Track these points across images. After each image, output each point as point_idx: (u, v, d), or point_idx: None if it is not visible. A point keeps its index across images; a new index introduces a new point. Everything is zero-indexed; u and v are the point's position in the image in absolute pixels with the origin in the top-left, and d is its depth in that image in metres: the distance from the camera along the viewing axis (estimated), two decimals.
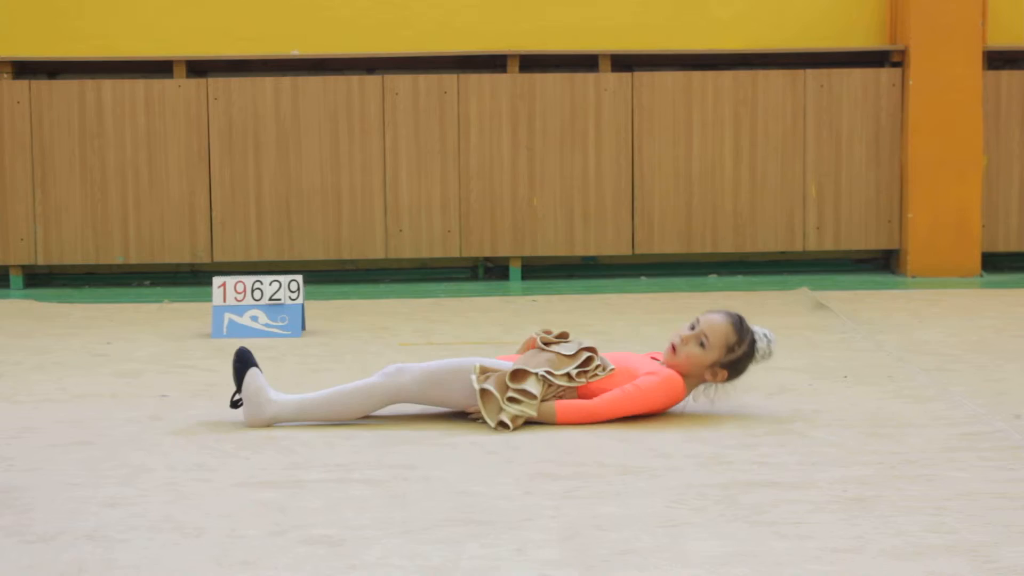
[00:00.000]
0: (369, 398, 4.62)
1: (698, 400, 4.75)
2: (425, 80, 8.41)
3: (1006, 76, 8.53)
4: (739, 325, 4.69)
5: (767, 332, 4.77)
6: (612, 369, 4.63)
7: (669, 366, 4.69)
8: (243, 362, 4.58)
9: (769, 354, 4.74)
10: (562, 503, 3.67)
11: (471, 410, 4.59)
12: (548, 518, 3.53)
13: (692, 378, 4.71)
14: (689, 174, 8.49)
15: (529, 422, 4.54)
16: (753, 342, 4.71)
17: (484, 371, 4.55)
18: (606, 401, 4.59)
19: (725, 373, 4.69)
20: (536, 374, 4.54)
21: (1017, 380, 5.27)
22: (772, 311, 7.12)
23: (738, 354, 4.67)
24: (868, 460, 4.08)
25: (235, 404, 4.62)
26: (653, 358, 4.77)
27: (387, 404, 4.63)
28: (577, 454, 4.19)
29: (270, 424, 4.59)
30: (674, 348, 4.68)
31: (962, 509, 3.55)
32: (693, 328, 4.66)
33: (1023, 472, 3.94)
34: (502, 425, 4.49)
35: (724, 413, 4.76)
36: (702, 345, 4.65)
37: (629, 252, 8.53)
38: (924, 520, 3.45)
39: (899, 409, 4.79)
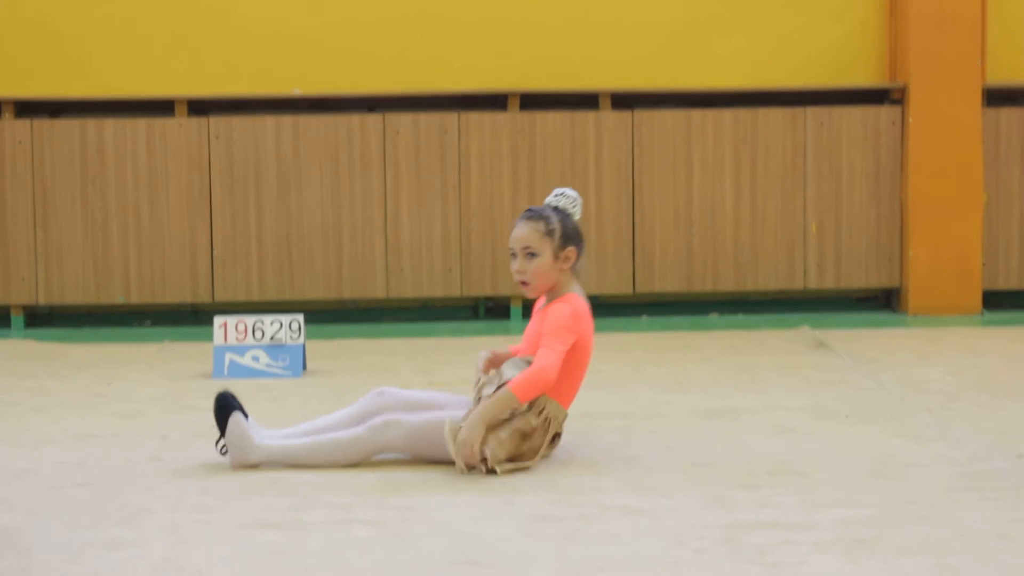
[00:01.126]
0: (356, 451, 4.61)
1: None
2: (426, 119, 8.44)
3: (1005, 113, 8.56)
4: (535, 213, 4.72)
5: (561, 191, 4.77)
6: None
7: (539, 294, 4.75)
8: (224, 408, 4.58)
9: (575, 201, 4.75)
10: (564, 544, 3.67)
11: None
12: (550, 560, 3.53)
13: (562, 280, 4.72)
14: (689, 212, 8.51)
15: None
16: (556, 208, 4.73)
17: (454, 431, 4.52)
18: (543, 357, 4.55)
19: (571, 249, 4.71)
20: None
21: (1019, 419, 5.27)
22: (773, 350, 7.13)
23: (558, 228, 4.68)
24: (870, 500, 4.08)
25: (222, 450, 4.63)
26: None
27: (374, 456, 4.63)
28: (578, 495, 4.19)
29: (257, 467, 4.60)
30: (524, 284, 4.70)
31: (964, 550, 3.55)
32: (514, 255, 4.70)
33: None
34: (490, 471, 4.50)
35: (725, 453, 4.76)
36: (532, 255, 4.68)
37: (630, 291, 8.54)
38: (927, 561, 3.45)
39: (901, 449, 4.79)
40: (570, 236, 4.71)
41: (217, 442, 4.63)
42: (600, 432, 5.15)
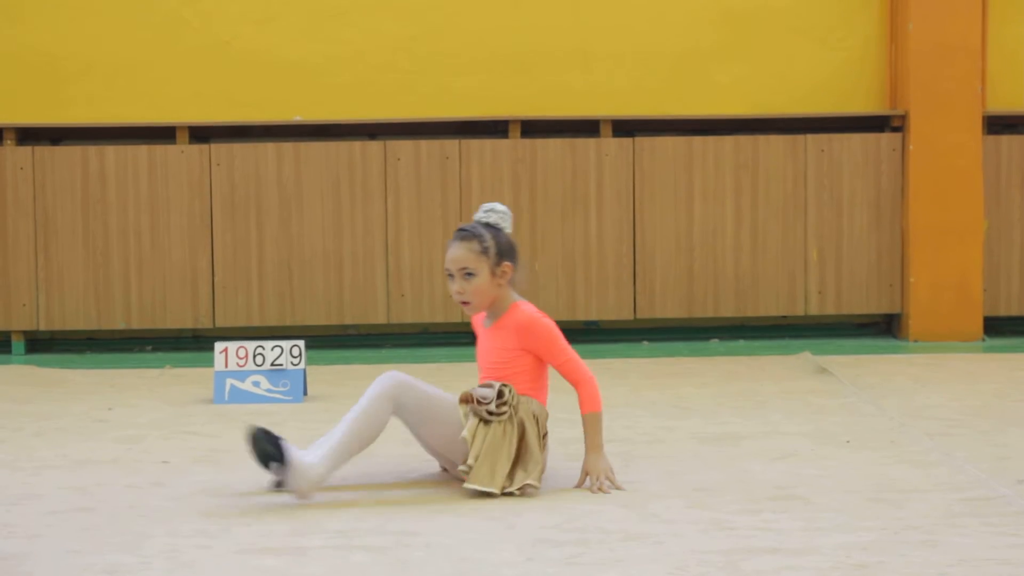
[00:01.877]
0: (375, 421, 4.56)
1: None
2: (427, 145, 8.46)
3: (1006, 140, 8.57)
4: (468, 232, 4.73)
5: (490, 207, 4.79)
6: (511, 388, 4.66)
7: (480, 311, 4.78)
8: (270, 441, 4.46)
9: (504, 215, 4.77)
10: (564, 570, 3.67)
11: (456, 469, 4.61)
12: None
13: (502, 295, 4.75)
14: (690, 238, 8.52)
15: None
16: (489, 225, 4.75)
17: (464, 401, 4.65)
18: (576, 372, 4.72)
19: (507, 265, 4.73)
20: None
21: (1020, 445, 5.27)
22: (774, 376, 7.12)
23: (492, 245, 4.70)
24: (871, 526, 4.08)
25: (277, 484, 4.57)
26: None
27: (386, 424, 4.60)
28: (579, 520, 4.19)
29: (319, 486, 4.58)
30: (466, 303, 4.74)
31: (965, 575, 3.55)
32: (452, 276, 4.73)
33: None
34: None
35: (726, 479, 4.75)
36: (470, 275, 4.70)
37: (631, 317, 8.54)
38: None
39: (902, 474, 4.79)
40: (504, 251, 4.73)
41: (273, 480, 4.57)
42: None
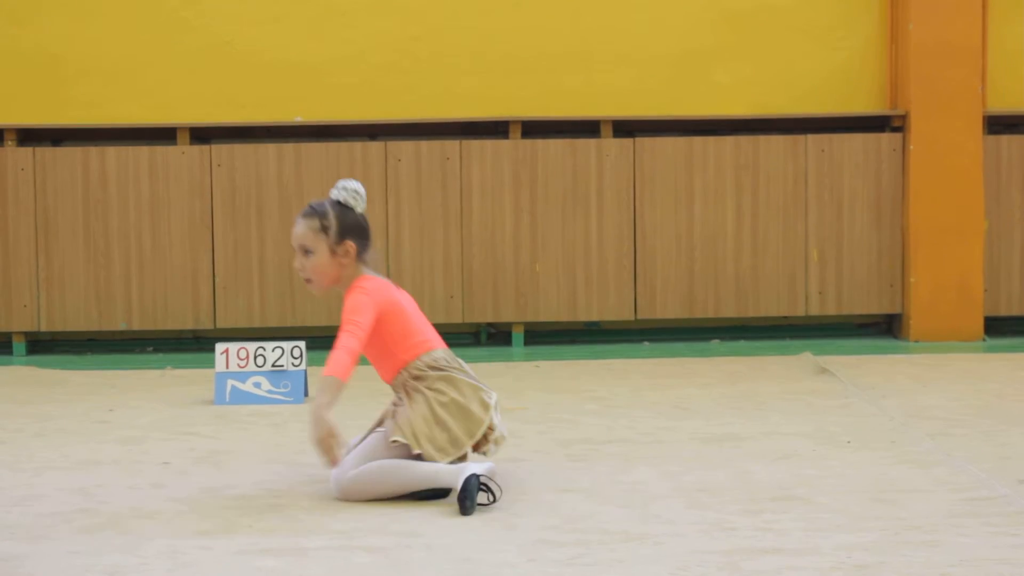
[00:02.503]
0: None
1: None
2: (428, 146, 8.46)
3: (1006, 141, 8.57)
4: (312, 209, 4.68)
5: (343, 184, 4.73)
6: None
7: (324, 290, 4.71)
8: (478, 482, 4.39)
9: (356, 193, 4.71)
10: (565, 570, 3.67)
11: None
12: None
13: (348, 274, 4.67)
14: (691, 239, 8.52)
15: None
16: (337, 202, 4.69)
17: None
18: (341, 339, 4.52)
19: (349, 243, 4.66)
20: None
21: (1021, 445, 5.26)
22: (775, 376, 7.12)
23: (334, 223, 4.64)
24: (872, 526, 4.08)
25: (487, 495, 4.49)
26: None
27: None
28: (580, 521, 4.19)
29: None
30: (309, 281, 4.68)
31: (966, 575, 3.54)
32: (296, 252, 4.68)
33: None
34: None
35: (727, 479, 4.75)
36: (308, 252, 4.66)
37: (631, 317, 8.54)
38: None
39: (902, 474, 4.78)
40: (348, 230, 4.66)
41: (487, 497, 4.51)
42: (602, 457, 5.15)
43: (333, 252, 4.66)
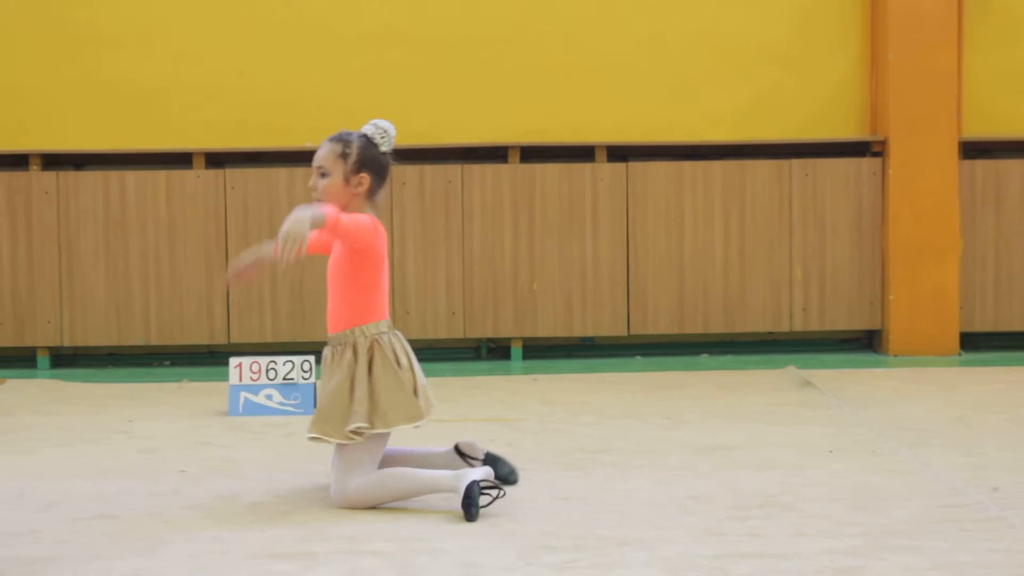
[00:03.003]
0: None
1: None
2: (431, 170, 8.47)
3: (980, 165, 8.59)
4: (338, 136, 4.62)
5: (376, 122, 4.66)
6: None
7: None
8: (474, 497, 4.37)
9: (385, 132, 4.63)
10: (562, 574, 3.67)
11: None
12: None
13: (355, 205, 4.58)
14: (681, 258, 8.53)
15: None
16: (363, 135, 4.62)
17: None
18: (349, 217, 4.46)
19: (365, 176, 4.58)
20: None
21: (995, 455, 5.27)
22: (761, 389, 7.13)
23: (355, 153, 4.58)
24: (854, 531, 4.08)
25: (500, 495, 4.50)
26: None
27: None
28: (576, 527, 4.19)
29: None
30: (320, 202, 4.56)
31: None
32: (314, 172, 4.61)
33: (1003, 543, 3.94)
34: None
35: (715, 487, 4.76)
36: (324, 175, 4.59)
37: (625, 333, 8.55)
38: None
39: (883, 482, 4.79)
40: (366, 163, 4.59)
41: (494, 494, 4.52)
42: (596, 466, 5.15)
43: (347, 180, 4.59)
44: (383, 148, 4.65)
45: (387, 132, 4.67)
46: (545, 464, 5.20)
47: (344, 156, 4.59)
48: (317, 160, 4.62)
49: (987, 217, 8.59)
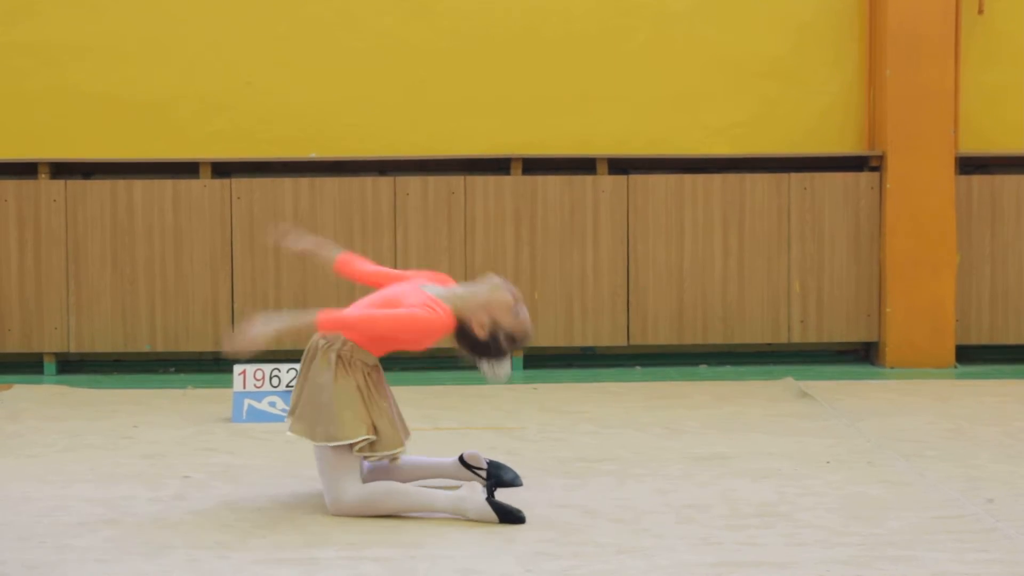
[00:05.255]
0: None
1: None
2: (434, 181, 8.47)
3: (976, 180, 8.58)
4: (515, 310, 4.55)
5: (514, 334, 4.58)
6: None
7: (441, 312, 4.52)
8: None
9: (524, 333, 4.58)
10: None
11: None
12: None
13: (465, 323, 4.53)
14: (681, 270, 8.52)
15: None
16: (509, 335, 4.56)
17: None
18: (365, 315, 4.49)
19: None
20: None
21: (989, 467, 5.26)
22: (759, 399, 7.12)
23: (504, 330, 4.53)
24: (850, 541, 4.07)
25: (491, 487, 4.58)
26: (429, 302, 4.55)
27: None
28: (575, 534, 4.18)
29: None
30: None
31: None
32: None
33: (997, 554, 3.93)
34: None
35: (713, 496, 4.75)
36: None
37: (625, 343, 8.54)
38: None
39: (878, 493, 4.78)
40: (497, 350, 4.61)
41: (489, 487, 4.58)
42: (596, 475, 5.14)
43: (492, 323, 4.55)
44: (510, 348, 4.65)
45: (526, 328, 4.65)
46: (545, 472, 5.19)
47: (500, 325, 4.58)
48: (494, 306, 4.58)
49: (983, 231, 8.58)
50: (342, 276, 4.92)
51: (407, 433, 4.68)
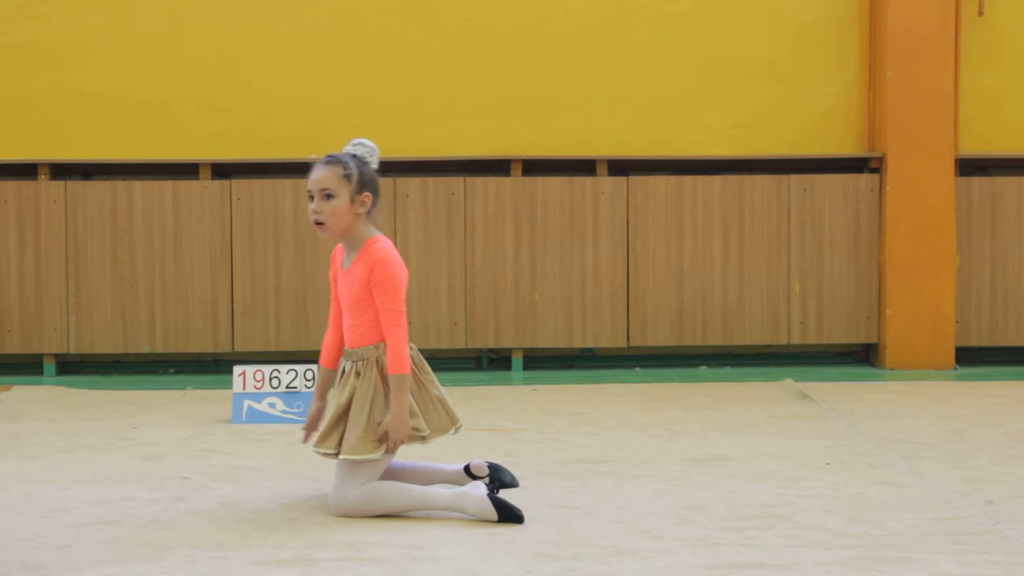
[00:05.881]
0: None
1: None
2: (434, 182, 8.47)
3: (976, 182, 8.58)
4: (334, 158, 4.59)
5: (359, 141, 4.66)
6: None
7: (334, 236, 4.58)
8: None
9: (372, 151, 4.64)
10: None
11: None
12: None
13: (357, 226, 4.59)
14: (680, 271, 8.52)
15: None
16: (355, 156, 4.61)
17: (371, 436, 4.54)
18: (391, 326, 4.50)
19: (367, 195, 4.58)
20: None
21: (989, 468, 5.26)
22: (758, 401, 7.12)
23: (355, 173, 4.56)
24: (849, 543, 4.07)
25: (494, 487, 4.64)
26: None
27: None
28: (574, 536, 4.18)
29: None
30: (320, 224, 4.57)
31: None
32: (312, 197, 4.58)
33: (996, 555, 3.93)
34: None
35: (713, 497, 4.75)
36: (330, 197, 4.56)
37: (624, 344, 8.54)
38: None
39: (878, 494, 4.78)
40: (366, 182, 4.60)
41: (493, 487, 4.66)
42: (595, 476, 5.14)
43: (352, 200, 4.58)
44: (373, 165, 4.67)
45: (374, 150, 4.69)
46: (544, 474, 5.19)
47: (347, 177, 4.58)
48: (320, 183, 4.58)
49: (983, 233, 8.58)
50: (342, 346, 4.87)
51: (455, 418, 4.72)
